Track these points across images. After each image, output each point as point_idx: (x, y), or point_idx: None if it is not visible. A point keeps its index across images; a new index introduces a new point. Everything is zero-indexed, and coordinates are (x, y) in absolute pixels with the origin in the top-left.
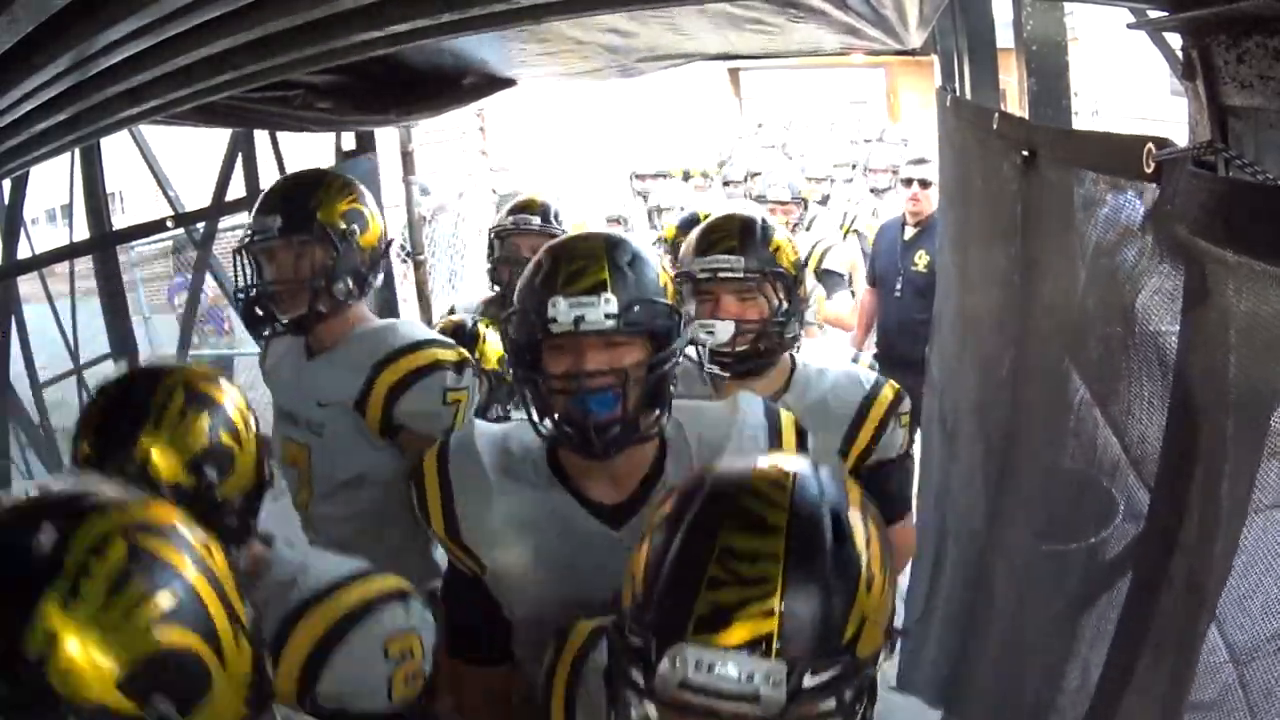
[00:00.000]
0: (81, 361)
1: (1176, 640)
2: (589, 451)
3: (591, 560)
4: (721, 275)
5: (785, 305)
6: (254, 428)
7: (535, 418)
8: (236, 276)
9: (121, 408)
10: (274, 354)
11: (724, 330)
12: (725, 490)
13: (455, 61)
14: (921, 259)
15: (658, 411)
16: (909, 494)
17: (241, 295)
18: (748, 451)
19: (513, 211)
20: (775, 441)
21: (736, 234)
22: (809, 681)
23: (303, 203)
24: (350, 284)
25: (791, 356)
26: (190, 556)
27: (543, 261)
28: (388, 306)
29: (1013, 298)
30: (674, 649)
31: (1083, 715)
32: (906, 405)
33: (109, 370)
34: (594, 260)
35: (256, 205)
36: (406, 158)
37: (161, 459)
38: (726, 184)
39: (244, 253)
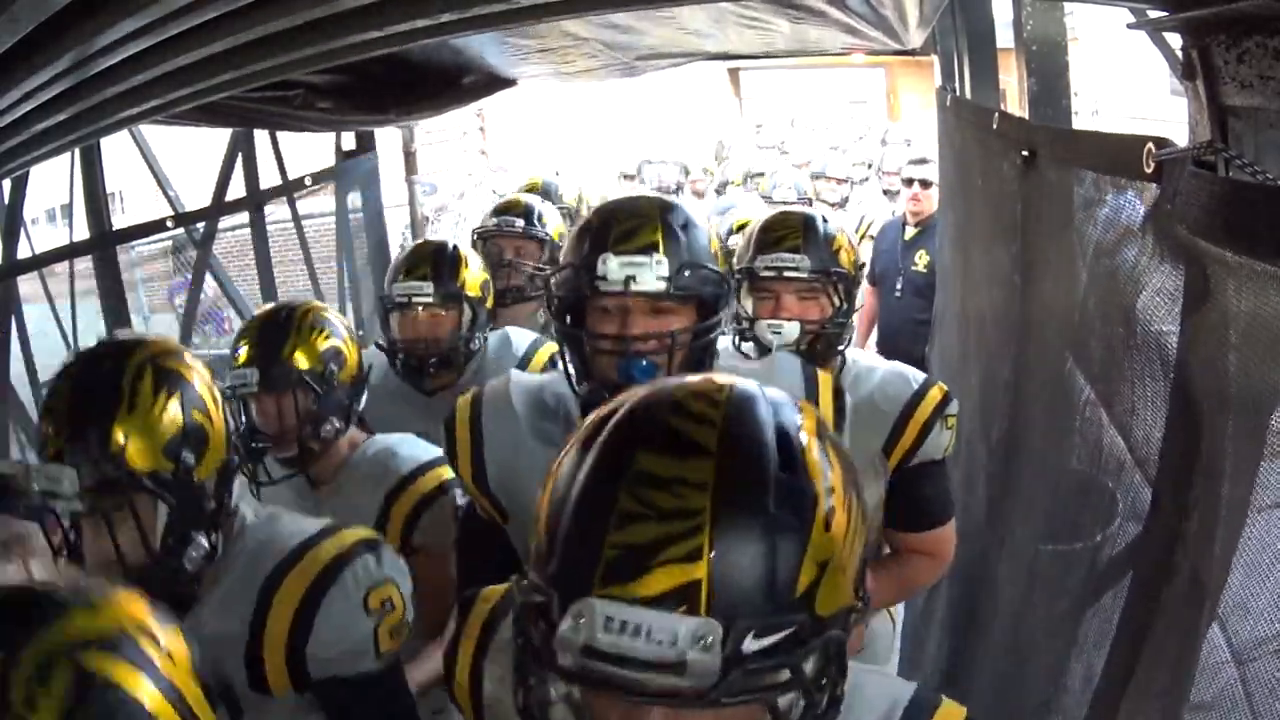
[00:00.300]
0: None
1: (1178, 640)
2: None
3: None
4: (786, 275)
5: (845, 306)
6: (219, 398)
7: (574, 379)
8: (229, 418)
9: (90, 392)
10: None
11: (791, 330)
12: (644, 407)
13: (455, 60)
14: (922, 259)
15: None
16: (951, 499)
17: (236, 437)
18: None
19: (496, 213)
20: (812, 398)
21: (800, 231)
22: (750, 645)
23: (276, 350)
24: (336, 422)
25: (842, 353)
26: (146, 672)
27: (593, 220)
28: None
29: (1013, 297)
30: (578, 604)
31: (1084, 715)
32: (954, 408)
33: None
34: (647, 220)
35: (233, 348)
36: (409, 158)
37: (138, 446)
38: (724, 186)
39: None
